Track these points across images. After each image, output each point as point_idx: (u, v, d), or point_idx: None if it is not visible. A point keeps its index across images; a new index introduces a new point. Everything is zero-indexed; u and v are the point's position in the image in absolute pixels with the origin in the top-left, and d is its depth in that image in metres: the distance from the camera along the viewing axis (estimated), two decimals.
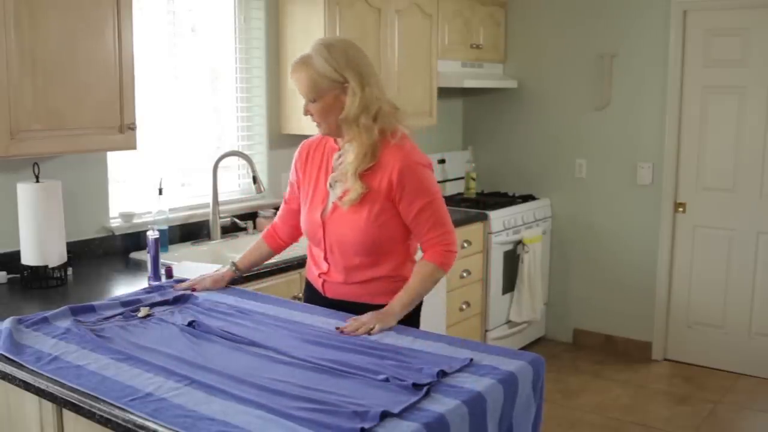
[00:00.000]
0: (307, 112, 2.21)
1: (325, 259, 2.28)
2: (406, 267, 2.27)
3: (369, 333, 2.00)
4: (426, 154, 2.26)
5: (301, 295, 3.06)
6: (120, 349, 1.83)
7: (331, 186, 2.25)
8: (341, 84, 2.13)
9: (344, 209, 2.19)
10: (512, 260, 4.54)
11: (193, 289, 2.38)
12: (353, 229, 2.18)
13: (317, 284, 2.35)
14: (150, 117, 3.29)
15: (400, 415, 1.47)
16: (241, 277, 2.57)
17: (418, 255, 2.29)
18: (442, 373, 1.67)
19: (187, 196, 3.56)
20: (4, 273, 2.73)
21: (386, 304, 2.15)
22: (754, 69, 4.24)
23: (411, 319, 2.22)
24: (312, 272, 2.38)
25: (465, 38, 4.60)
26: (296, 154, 2.42)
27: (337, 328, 2.03)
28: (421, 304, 2.29)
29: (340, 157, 2.25)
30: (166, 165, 3.45)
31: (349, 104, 2.13)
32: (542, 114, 4.93)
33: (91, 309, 2.17)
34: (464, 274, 4.20)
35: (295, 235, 2.51)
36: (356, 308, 2.19)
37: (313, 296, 2.39)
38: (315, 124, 2.24)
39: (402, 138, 2.19)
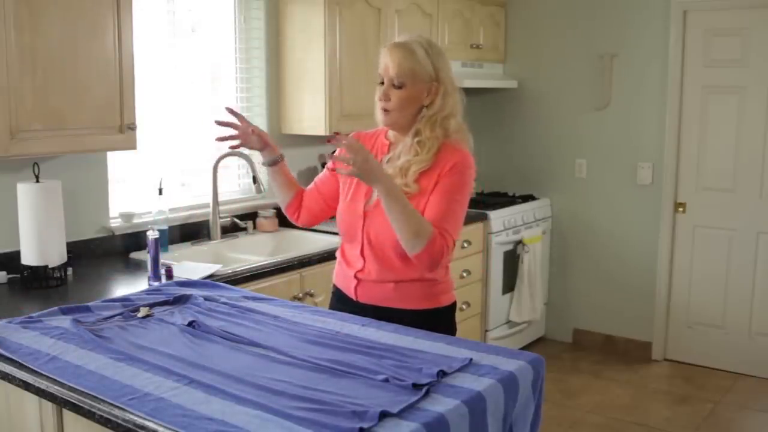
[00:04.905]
0: (385, 97, 2.13)
1: (362, 254, 2.21)
2: (439, 272, 2.21)
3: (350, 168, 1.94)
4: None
5: (301, 295, 3.07)
6: (119, 349, 1.83)
7: None
8: (431, 82, 2.13)
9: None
10: (512, 260, 4.54)
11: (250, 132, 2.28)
12: None
13: (349, 288, 2.26)
14: (150, 117, 3.29)
15: (399, 415, 1.47)
16: (277, 161, 2.35)
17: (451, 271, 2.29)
18: (442, 373, 1.67)
19: (187, 196, 3.56)
20: (4, 273, 2.73)
21: (418, 311, 2.17)
22: (754, 69, 4.24)
23: (448, 325, 2.23)
24: (343, 275, 2.28)
25: (465, 38, 4.60)
26: None
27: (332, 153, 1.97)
28: (455, 308, 2.28)
29: (390, 153, 2.21)
30: (166, 165, 3.45)
31: (440, 104, 2.13)
32: (542, 114, 4.93)
33: (86, 309, 2.17)
34: (464, 274, 4.20)
35: (306, 218, 2.40)
36: (388, 313, 2.14)
37: (342, 303, 2.29)
38: (382, 111, 2.16)
39: (462, 143, 2.21)
